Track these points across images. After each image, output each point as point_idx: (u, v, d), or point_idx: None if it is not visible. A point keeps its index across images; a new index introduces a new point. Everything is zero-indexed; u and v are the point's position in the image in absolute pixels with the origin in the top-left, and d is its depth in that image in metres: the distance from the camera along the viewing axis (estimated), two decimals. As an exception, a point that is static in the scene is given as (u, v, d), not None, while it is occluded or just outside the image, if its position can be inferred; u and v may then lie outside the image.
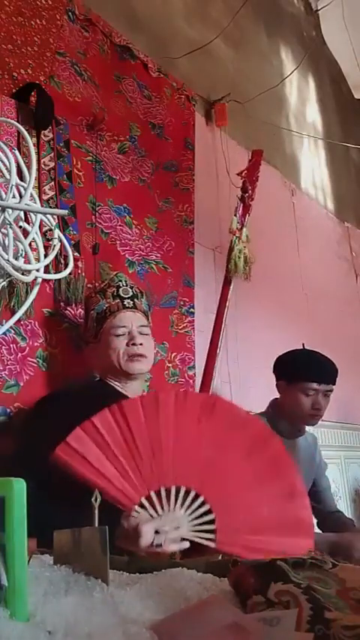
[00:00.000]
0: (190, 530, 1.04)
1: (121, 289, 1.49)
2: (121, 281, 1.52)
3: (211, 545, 1.03)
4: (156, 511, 1.03)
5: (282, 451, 1.16)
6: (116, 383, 1.46)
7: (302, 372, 1.79)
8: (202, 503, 1.05)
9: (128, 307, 1.47)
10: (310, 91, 4.17)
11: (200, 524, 1.04)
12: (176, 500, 1.04)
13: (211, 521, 1.04)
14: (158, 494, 1.04)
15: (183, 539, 1.03)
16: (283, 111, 3.68)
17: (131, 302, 1.49)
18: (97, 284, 1.73)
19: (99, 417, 1.08)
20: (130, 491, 1.03)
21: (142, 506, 1.03)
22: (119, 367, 1.43)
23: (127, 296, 1.49)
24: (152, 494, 1.04)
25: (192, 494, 1.05)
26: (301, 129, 3.82)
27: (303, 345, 1.92)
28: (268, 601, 0.54)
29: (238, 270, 1.91)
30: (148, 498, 1.04)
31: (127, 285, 1.51)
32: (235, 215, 1.91)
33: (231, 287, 1.91)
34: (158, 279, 2.08)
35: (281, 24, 3.90)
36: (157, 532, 1.01)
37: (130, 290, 1.50)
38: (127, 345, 1.43)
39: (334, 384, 1.82)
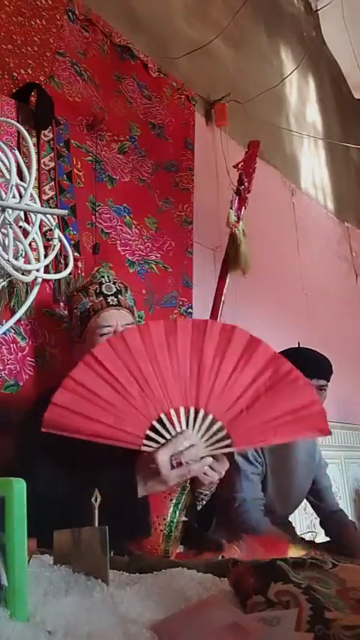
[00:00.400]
0: (205, 446, 1.04)
1: (103, 286, 1.43)
2: (103, 277, 1.46)
3: (232, 449, 1.04)
4: (164, 438, 1.03)
5: (274, 354, 1.14)
6: None
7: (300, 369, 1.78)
8: (206, 415, 1.05)
9: (112, 305, 1.41)
10: (310, 91, 4.17)
11: (212, 436, 1.04)
12: (187, 421, 1.04)
13: (221, 428, 1.04)
14: (160, 422, 1.04)
15: (203, 458, 1.04)
16: (283, 111, 3.68)
17: (115, 299, 1.43)
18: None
19: (78, 369, 1.06)
20: (131, 427, 1.03)
21: (149, 438, 1.03)
22: None
23: (110, 293, 1.43)
24: (154, 423, 1.03)
25: (201, 413, 1.04)
26: (301, 129, 3.82)
27: (298, 343, 1.92)
28: (268, 601, 0.54)
29: (248, 265, 1.87)
30: (153, 429, 1.03)
31: (110, 282, 1.45)
32: (231, 208, 1.85)
33: (227, 281, 1.87)
34: (159, 279, 2.08)
35: (281, 24, 3.90)
36: (174, 459, 1.02)
37: (114, 286, 1.44)
38: None
39: (326, 379, 1.81)
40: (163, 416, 1.04)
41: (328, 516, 1.94)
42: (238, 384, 1.08)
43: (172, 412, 1.04)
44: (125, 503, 1.04)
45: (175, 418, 1.04)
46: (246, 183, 1.88)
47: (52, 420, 1.02)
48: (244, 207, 1.89)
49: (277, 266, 2.98)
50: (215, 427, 1.05)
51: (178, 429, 1.04)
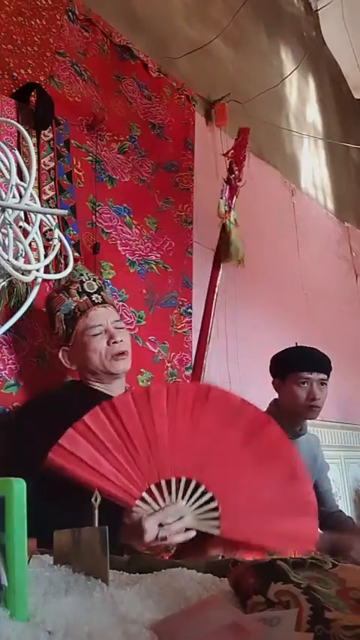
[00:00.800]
0: (194, 519, 1.02)
1: (85, 284, 1.39)
2: (82, 275, 1.42)
3: (216, 532, 1.02)
4: (158, 504, 1.02)
5: (280, 434, 1.14)
6: (97, 384, 1.40)
7: (292, 364, 1.80)
8: (204, 492, 1.03)
9: (98, 303, 1.38)
10: (310, 91, 4.17)
11: (204, 512, 1.03)
12: (177, 491, 1.03)
13: (215, 509, 1.03)
14: (158, 487, 1.03)
15: (188, 530, 1.02)
16: (283, 111, 3.68)
17: (99, 297, 1.39)
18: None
19: (90, 415, 1.06)
20: (129, 486, 1.02)
21: (143, 500, 1.02)
22: (103, 368, 1.36)
23: (93, 291, 1.39)
24: (153, 487, 1.03)
25: (193, 484, 1.03)
26: (301, 129, 3.82)
27: (296, 344, 1.93)
28: (268, 601, 0.54)
29: (238, 255, 1.81)
30: (149, 492, 1.03)
31: (90, 279, 1.41)
32: (222, 198, 1.81)
33: (220, 273, 1.84)
34: (159, 279, 2.09)
35: (281, 24, 3.90)
36: (160, 525, 1.00)
37: (94, 283, 1.40)
38: (108, 344, 1.36)
39: (327, 373, 1.81)
40: (163, 482, 1.03)
41: (327, 517, 1.94)
42: (235, 461, 1.08)
43: (173, 480, 1.03)
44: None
45: (173, 487, 1.03)
46: (236, 172, 1.83)
47: (56, 461, 1.02)
48: (235, 197, 1.84)
49: (277, 266, 2.98)
50: (210, 506, 1.03)
51: (173, 499, 1.02)
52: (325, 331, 3.06)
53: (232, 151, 1.89)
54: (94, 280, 1.42)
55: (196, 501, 1.03)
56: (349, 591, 0.57)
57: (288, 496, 1.09)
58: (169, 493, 1.03)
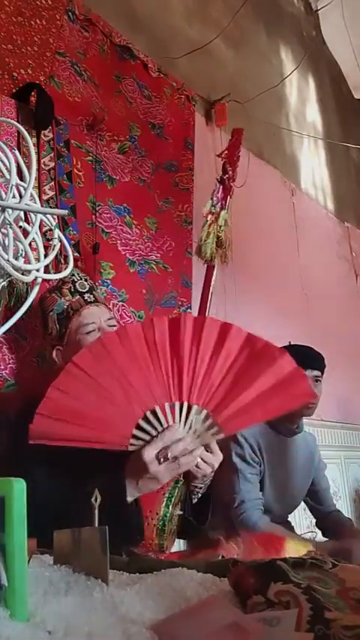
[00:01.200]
0: (195, 437, 1.02)
1: (77, 284, 1.39)
2: (74, 275, 1.42)
3: (220, 437, 1.02)
4: (151, 436, 1.01)
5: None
6: None
7: None
8: (190, 407, 1.02)
9: (90, 302, 1.38)
10: (310, 91, 4.17)
11: (200, 426, 1.02)
12: (166, 417, 1.02)
13: (208, 417, 1.02)
14: (146, 420, 1.01)
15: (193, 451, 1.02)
16: (283, 111, 3.68)
17: (91, 296, 1.39)
18: (95, 283, 1.73)
19: (79, 357, 1.04)
20: (117, 429, 1.00)
21: (135, 437, 1.00)
22: None
23: (85, 290, 1.39)
24: (141, 422, 1.00)
25: (178, 405, 1.02)
26: (301, 129, 3.82)
27: (289, 342, 1.93)
28: (268, 601, 0.54)
29: (208, 255, 1.75)
30: (138, 428, 1.00)
31: (82, 279, 1.42)
32: (212, 198, 1.82)
33: (214, 272, 1.84)
34: (159, 279, 2.09)
35: (281, 24, 3.90)
36: (161, 454, 0.99)
37: (86, 283, 1.41)
38: None
39: (321, 370, 1.82)
40: (149, 414, 1.01)
41: (325, 517, 1.94)
42: (217, 371, 1.05)
43: (158, 409, 1.01)
44: (115, 507, 1.01)
45: (160, 415, 1.01)
46: (230, 172, 1.83)
47: (38, 431, 0.99)
48: (229, 197, 1.84)
49: (277, 266, 2.98)
50: (202, 416, 1.02)
51: (165, 425, 1.01)
52: (325, 331, 3.06)
53: (225, 152, 1.89)
54: (86, 280, 1.42)
55: (190, 420, 1.02)
56: (349, 591, 0.57)
57: (273, 377, 1.06)
58: (160, 422, 1.01)
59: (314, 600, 0.52)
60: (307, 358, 1.80)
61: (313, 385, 1.78)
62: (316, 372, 1.80)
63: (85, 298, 1.38)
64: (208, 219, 1.74)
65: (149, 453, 0.99)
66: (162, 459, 0.99)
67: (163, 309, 2.07)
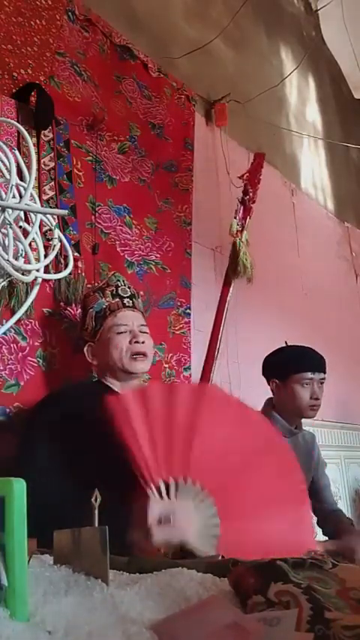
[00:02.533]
0: (197, 535, 1.04)
1: (119, 289, 1.49)
2: (119, 280, 1.52)
3: (212, 552, 1.03)
4: (169, 496, 1.05)
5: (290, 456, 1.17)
6: (114, 383, 1.45)
7: (295, 364, 1.82)
8: (210, 506, 1.05)
9: (128, 306, 1.46)
10: (310, 91, 4.17)
11: (206, 528, 1.05)
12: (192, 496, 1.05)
13: (216, 526, 1.05)
14: (175, 484, 1.05)
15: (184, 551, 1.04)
16: (283, 111, 3.68)
17: (130, 301, 1.48)
18: (95, 284, 1.74)
19: (153, 387, 1.12)
20: (154, 468, 1.04)
21: (158, 488, 1.04)
22: (121, 365, 1.41)
23: (126, 295, 1.48)
24: (171, 480, 1.05)
25: (204, 492, 1.05)
26: (301, 129, 3.82)
27: (286, 342, 1.94)
28: (268, 601, 0.54)
29: (247, 273, 1.91)
30: (166, 483, 1.05)
31: (125, 285, 1.51)
32: (235, 217, 1.91)
33: (231, 288, 1.91)
34: (157, 280, 2.08)
35: (281, 24, 3.90)
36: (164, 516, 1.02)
37: (129, 290, 1.50)
38: (130, 342, 1.42)
39: (325, 372, 1.84)
40: (181, 480, 1.05)
41: (326, 516, 1.94)
42: (236, 468, 1.09)
43: (189, 481, 1.05)
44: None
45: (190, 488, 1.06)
46: (251, 194, 1.93)
47: (111, 406, 1.06)
48: (249, 217, 1.93)
49: (277, 266, 2.98)
50: (213, 522, 1.05)
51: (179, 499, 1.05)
52: (324, 331, 3.06)
53: (247, 174, 1.97)
54: (129, 287, 1.52)
55: (202, 511, 1.05)
56: (349, 591, 0.57)
57: (284, 490, 1.11)
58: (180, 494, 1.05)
59: (314, 600, 0.52)
60: (315, 361, 1.83)
61: (318, 388, 1.80)
62: (322, 375, 1.83)
63: (124, 302, 1.47)
64: (238, 239, 1.84)
65: (154, 509, 1.02)
66: (163, 521, 1.02)
67: (161, 310, 2.06)
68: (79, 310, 1.68)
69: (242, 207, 1.92)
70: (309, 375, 1.79)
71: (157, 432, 1.06)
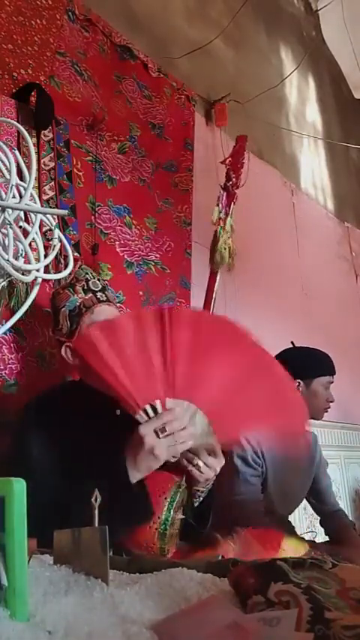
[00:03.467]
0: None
1: (90, 282, 1.41)
2: (87, 274, 1.44)
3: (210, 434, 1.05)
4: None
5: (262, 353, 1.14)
6: None
7: (320, 367, 1.85)
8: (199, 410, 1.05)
9: (102, 300, 1.39)
10: (310, 91, 4.17)
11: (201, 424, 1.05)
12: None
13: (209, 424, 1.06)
14: (152, 407, 1.05)
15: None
16: (283, 111, 3.68)
17: (104, 295, 1.40)
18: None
19: (120, 318, 1.09)
20: (136, 394, 1.03)
21: (145, 412, 1.04)
22: None
23: (97, 289, 1.41)
24: (157, 403, 1.04)
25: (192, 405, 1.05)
26: (301, 129, 3.82)
27: (292, 343, 1.94)
28: (268, 601, 0.54)
29: (223, 262, 1.83)
30: (153, 407, 1.04)
31: (94, 278, 1.44)
32: (218, 205, 1.83)
33: (217, 278, 1.87)
34: (156, 280, 2.08)
35: (281, 24, 3.90)
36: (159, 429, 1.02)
37: (99, 282, 1.42)
38: None
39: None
40: (162, 401, 1.04)
41: (328, 516, 1.94)
42: (227, 381, 1.07)
43: (167, 401, 1.05)
44: (120, 489, 1.03)
45: (167, 405, 1.05)
46: (234, 179, 1.85)
47: (81, 347, 1.06)
48: (233, 203, 1.86)
49: (277, 266, 2.98)
50: (205, 418, 1.05)
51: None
52: (324, 331, 3.06)
53: (229, 159, 1.90)
54: (99, 280, 1.44)
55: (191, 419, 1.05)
56: (349, 591, 0.57)
57: (278, 399, 1.10)
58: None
59: (314, 600, 0.52)
60: (330, 364, 1.87)
61: (327, 390, 1.85)
62: (333, 377, 1.87)
63: (98, 297, 1.39)
64: (219, 227, 1.77)
65: (147, 427, 1.01)
66: (159, 433, 1.01)
67: (161, 310, 2.06)
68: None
69: (225, 194, 1.85)
70: (332, 378, 1.84)
71: (132, 360, 1.04)
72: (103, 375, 1.03)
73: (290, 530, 1.86)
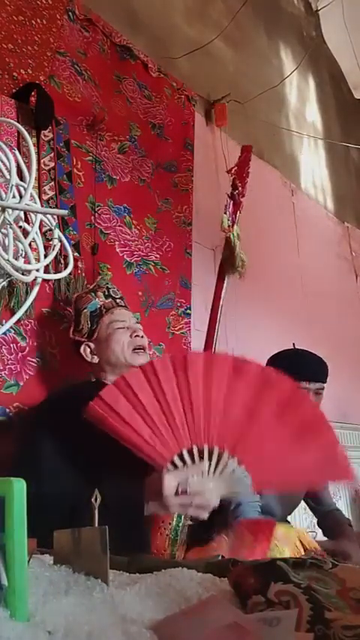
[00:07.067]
0: (220, 485, 1.03)
1: (111, 290, 1.54)
2: (108, 284, 1.58)
3: (247, 484, 1.04)
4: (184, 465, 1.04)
5: (315, 409, 1.14)
6: (114, 378, 1.45)
7: (291, 372, 1.77)
8: (232, 464, 1.04)
9: (121, 305, 1.51)
10: (310, 91, 4.17)
11: (230, 475, 1.04)
12: (209, 460, 1.04)
13: (239, 466, 1.05)
14: (190, 453, 1.04)
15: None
16: (283, 111, 3.68)
17: (122, 301, 1.53)
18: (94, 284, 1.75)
19: (131, 375, 1.08)
20: (162, 448, 1.03)
21: (173, 464, 1.03)
22: (124, 359, 1.43)
23: (117, 296, 1.53)
24: (185, 452, 1.03)
25: (225, 455, 1.04)
26: (301, 129, 3.82)
27: (294, 344, 1.92)
28: (268, 601, 0.54)
29: (244, 266, 1.88)
30: (180, 457, 1.03)
31: (114, 287, 1.57)
32: (225, 213, 1.87)
33: (224, 283, 1.88)
34: (156, 281, 2.08)
35: (281, 24, 3.90)
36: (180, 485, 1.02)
37: (118, 292, 1.55)
38: (131, 337, 1.45)
39: (324, 381, 1.78)
40: (194, 448, 1.04)
41: (325, 516, 1.93)
42: (264, 426, 1.07)
43: (205, 448, 1.04)
44: (132, 519, 1.04)
45: (195, 455, 1.04)
46: (240, 188, 1.90)
47: (94, 412, 1.04)
48: (238, 212, 1.90)
49: (277, 266, 2.98)
50: (232, 468, 1.05)
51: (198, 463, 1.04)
52: (324, 331, 3.06)
53: (235, 168, 1.94)
54: (118, 290, 1.57)
55: (222, 471, 1.04)
56: (349, 591, 0.57)
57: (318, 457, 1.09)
58: (201, 460, 1.03)
59: (314, 600, 0.52)
60: (312, 371, 1.76)
61: (314, 397, 1.76)
62: (319, 385, 1.75)
63: (117, 301, 1.52)
64: (231, 233, 1.82)
65: (170, 480, 1.01)
66: (180, 491, 1.01)
67: (159, 310, 2.06)
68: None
69: (232, 202, 1.89)
70: (304, 384, 1.71)
71: (151, 413, 1.04)
72: (125, 436, 1.03)
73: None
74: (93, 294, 1.51)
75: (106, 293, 1.52)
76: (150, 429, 1.03)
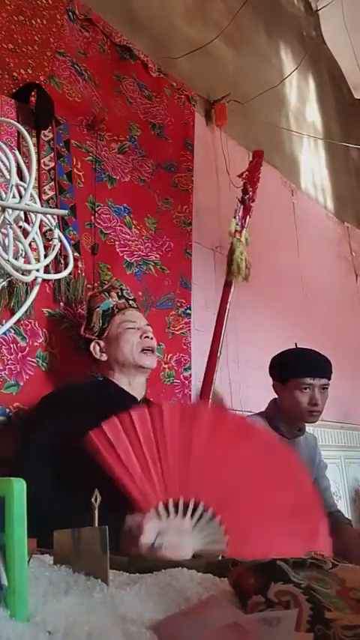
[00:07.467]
0: (197, 541, 1.03)
1: (124, 291, 1.57)
2: (122, 285, 1.60)
3: (222, 547, 1.03)
4: (168, 516, 1.03)
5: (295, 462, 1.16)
6: (121, 379, 1.47)
7: (294, 368, 1.80)
8: (215, 523, 1.04)
9: (133, 307, 1.55)
10: (310, 90, 4.17)
11: (209, 535, 1.03)
12: (193, 515, 1.03)
13: (222, 535, 1.04)
14: (176, 504, 1.04)
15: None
16: (283, 111, 3.68)
17: (134, 303, 1.57)
18: (96, 285, 1.75)
19: (137, 413, 1.08)
20: (149, 494, 1.03)
21: (156, 511, 1.03)
22: (132, 359, 1.45)
23: (130, 298, 1.57)
24: (170, 503, 1.03)
25: (208, 512, 1.04)
26: (301, 129, 3.82)
27: (296, 344, 1.92)
28: (268, 601, 0.54)
29: (240, 273, 1.89)
30: (166, 506, 1.03)
31: (127, 289, 1.60)
32: (235, 217, 1.91)
33: (232, 289, 1.90)
34: (155, 281, 2.08)
35: (281, 24, 3.90)
36: (158, 538, 1.01)
37: (131, 294, 1.59)
38: (140, 338, 1.48)
39: (328, 378, 1.81)
40: (180, 501, 1.04)
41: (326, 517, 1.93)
42: (260, 506, 1.07)
43: (191, 503, 1.04)
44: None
45: (190, 510, 1.04)
46: (250, 193, 1.93)
47: (94, 442, 1.04)
48: (248, 217, 1.93)
49: (277, 266, 2.98)
50: (214, 526, 1.04)
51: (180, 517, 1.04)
52: (325, 331, 3.06)
53: (246, 173, 1.96)
54: (130, 292, 1.61)
55: (202, 528, 1.03)
56: (349, 591, 0.57)
57: (294, 502, 1.10)
58: (184, 514, 1.03)
59: (314, 600, 0.52)
60: (316, 366, 1.79)
61: (319, 394, 1.78)
62: (324, 381, 1.79)
63: (130, 303, 1.56)
64: (236, 238, 1.84)
65: (150, 529, 1.00)
66: (155, 541, 1.00)
67: (159, 310, 2.06)
68: (80, 311, 1.68)
69: (242, 207, 1.92)
70: (308, 380, 1.76)
71: (147, 456, 1.04)
72: (117, 472, 1.03)
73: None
74: (107, 293, 1.55)
75: (120, 294, 1.55)
76: (142, 471, 1.03)
